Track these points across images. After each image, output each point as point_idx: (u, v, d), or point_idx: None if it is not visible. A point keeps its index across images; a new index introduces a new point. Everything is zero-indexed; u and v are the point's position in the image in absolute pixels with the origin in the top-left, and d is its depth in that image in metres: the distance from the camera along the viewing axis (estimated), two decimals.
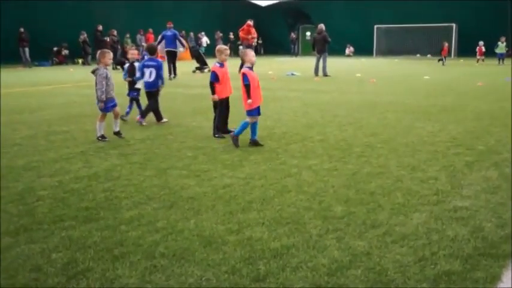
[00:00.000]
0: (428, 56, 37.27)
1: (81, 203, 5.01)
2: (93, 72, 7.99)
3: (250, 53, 7.61)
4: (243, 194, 5.23)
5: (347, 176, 5.83)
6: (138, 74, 9.59)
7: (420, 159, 6.56)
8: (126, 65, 10.19)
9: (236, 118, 9.15)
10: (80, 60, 31.18)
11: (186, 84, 17.94)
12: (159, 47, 21.24)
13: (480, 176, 5.78)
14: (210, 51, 21.85)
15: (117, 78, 9.45)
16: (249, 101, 7.38)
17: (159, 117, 9.71)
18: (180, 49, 22.27)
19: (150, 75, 9.48)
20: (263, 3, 46.69)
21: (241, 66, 8.09)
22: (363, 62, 33.19)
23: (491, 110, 10.70)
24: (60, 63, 31.33)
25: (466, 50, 27.78)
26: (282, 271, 3.49)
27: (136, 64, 9.80)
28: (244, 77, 7.40)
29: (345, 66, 27.59)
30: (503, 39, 27.93)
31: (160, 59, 10.00)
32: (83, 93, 15.08)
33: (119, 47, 27.67)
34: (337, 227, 4.26)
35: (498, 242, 3.92)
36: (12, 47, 27.66)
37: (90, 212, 4.73)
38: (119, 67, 23.78)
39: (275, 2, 46.51)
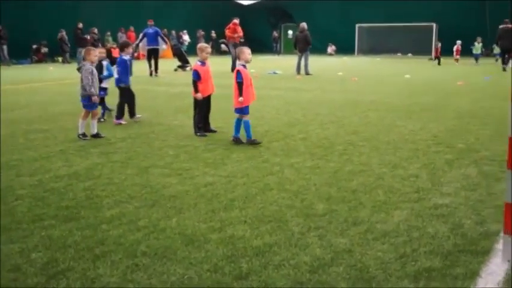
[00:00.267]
0: (409, 55, 37.63)
1: (61, 202, 4.96)
2: (79, 69, 8.04)
3: (247, 51, 7.57)
4: (225, 192, 5.22)
5: (329, 174, 5.86)
6: (105, 73, 9.49)
7: (401, 157, 6.62)
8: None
9: (217, 116, 9.14)
10: (60, 58, 30.79)
11: (167, 82, 17.85)
12: (140, 44, 21.25)
13: (460, 173, 5.85)
14: (192, 49, 21.73)
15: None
16: (241, 98, 7.35)
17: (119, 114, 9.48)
18: (163, 46, 22.16)
19: (117, 72, 9.45)
20: (245, 2, 46.62)
21: (234, 64, 8.06)
22: (345, 60, 33.37)
23: (471, 109, 10.83)
24: (39, 61, 30.86)
25: (446, 50, 28.09)
26: (264, 269, 3.49)
27: (104, 63, 9.69)
28: (238, 74, 7.37)
29: (327, 65, 27.70)
30: (479, 39, 28.35)
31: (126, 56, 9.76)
32: (63, 91, 14.92)
33: (100, 45, 27.42)
34: (319, 225, 4.27)
35: (477, 238, 3.97)
36: None
37: (70, 211, 4.68)
38: None
39: (257, 1, 46.48)
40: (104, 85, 9.44)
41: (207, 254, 3.72)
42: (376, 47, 38.83)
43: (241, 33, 21.85)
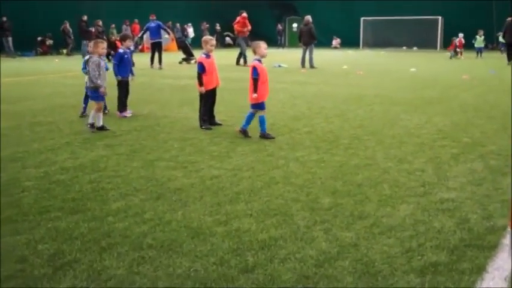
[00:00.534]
0: (415, 48, 37.44)
1: (67, 194, 4.97)
2: (87, 61, 8.20)
3: (263, 46, 7.41)
4: (231, 185, 5.22)
5: (334, 168, 5.85)
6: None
7: (407, 151, 6.60)
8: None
9: (222, 109, 9.14)
10: (65, 51, 30.79)
11: (172, 75, 17.84)
12: (144, 37, 21.30)
13: (466, 168, 5.83)
14: (197, 42, 21.68)
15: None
16: (254, 95, 7.31)
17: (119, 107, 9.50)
18: (166, 36, 22.10)
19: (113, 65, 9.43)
20: None
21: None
22: (350, 54, 33.24)
23: (476, 103, 10.78)
24: (44, 53, 30.86)
25: (448, 43, 27.89)
26: (270, 262, 3.49)
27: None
28: (254, 70, 7.30)
29: (332, 58, 27.61)
30: (481, 32, 27.97)
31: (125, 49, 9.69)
32: (68, 83, 14.92)
33: (104, 37, 27.40)
34: (325, 219, 4.27)
35: (484, 233, 3.96)
36: None
37: (76, 203, 4.69)
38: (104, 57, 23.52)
39: None
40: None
41: (213, 247, 3.73)
42: (381, 40, 38.62)
43: (249, 27, 21.79)
